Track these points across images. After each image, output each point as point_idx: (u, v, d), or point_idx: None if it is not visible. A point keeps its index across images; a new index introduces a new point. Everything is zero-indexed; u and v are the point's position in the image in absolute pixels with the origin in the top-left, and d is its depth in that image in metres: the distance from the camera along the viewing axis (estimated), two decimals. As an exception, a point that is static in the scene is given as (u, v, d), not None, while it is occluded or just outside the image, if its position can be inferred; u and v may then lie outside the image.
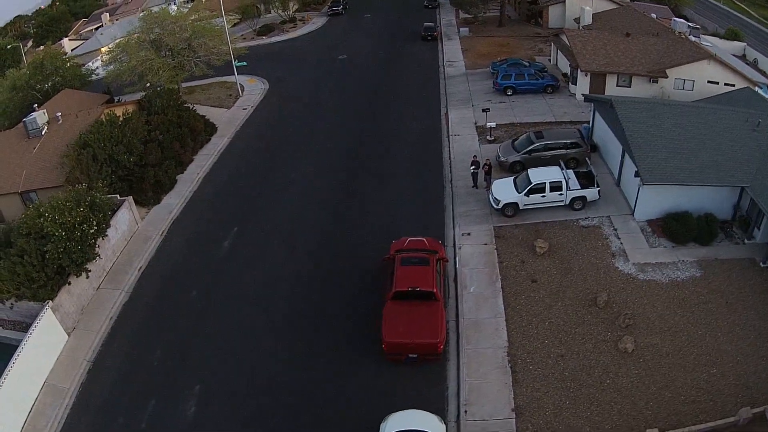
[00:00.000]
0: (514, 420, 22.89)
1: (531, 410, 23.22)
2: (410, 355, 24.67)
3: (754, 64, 61.01)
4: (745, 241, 31.19)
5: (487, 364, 25.07)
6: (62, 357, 28.07)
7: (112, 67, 52.87)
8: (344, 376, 25.41)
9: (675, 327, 26.44)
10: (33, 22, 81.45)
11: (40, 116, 43.17)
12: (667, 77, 46.01)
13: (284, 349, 27.08)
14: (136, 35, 53.33)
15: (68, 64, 57.55)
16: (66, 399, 25.96)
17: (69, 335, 29.10)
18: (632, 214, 33.38)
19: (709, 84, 45.49)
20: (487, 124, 42.03)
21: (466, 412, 23.34)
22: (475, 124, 44.25)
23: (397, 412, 22.01)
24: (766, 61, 61.45)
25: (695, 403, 23.37)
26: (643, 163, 31.99)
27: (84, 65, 61.77)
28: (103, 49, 62.39)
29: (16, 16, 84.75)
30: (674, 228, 31.23)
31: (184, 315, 29.44)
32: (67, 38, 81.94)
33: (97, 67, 63.29)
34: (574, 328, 26.43)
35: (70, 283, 29.64)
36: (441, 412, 23.12)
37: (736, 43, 65.83)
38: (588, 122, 41.78)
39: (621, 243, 31.34)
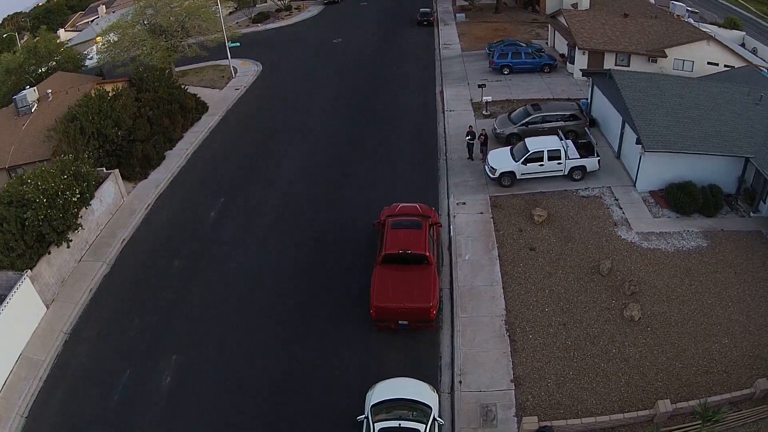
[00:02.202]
0: (513, 391, 20.33)
1: (531, 381, 20.63)
2: (401, 322, 22.00)
3: (753, 53, 58.70)
4: (751, 214, 28.71)
5: (483, 332, 22.45)
6: (39, 329, 25.55)
7: (106, 54, 50.37)
8: (331, 347, 22.84)
9: (683, 296, 23.90)
10: (30, 16, 78.82)
11: (30, 93, 40.76)
12: (666, 57, 43.50)
13: (270, 318, 24.52)
14: (129, 17, 50.70)
15: (62, 48, 54.91)
16: (41, 371, 23.48)
17: (48, 307, 26.56)
18: (634, 185, 30.86)
19: (709, 65, 43.11)
20: (483, 98, 39.42)
21: (460, 382, 20.74)
22: (471, 100, 41.67)
23: (385, 381, 19.40)
24: (766, 50, 58.99)
25: (708, 374, 20.86)
26: (644, 130, 29.54)
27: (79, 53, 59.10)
28: (98, 39, 59.78)
29: (14, 13, 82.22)
30: (678, 197, 28.71)
31: (165, 285, 26.85)
32: (63, 29, 79.40)
33: (92, 57, 60.64)
34: (576, 296, 23.83)
35: (50, 253, 27.12)
36: (434, 383, 20.54)
37: (735, 31, 63.43)
38: (586, 99, 39.12)
39: (623, 212, 28.78)
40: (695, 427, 18.43)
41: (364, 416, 18.22)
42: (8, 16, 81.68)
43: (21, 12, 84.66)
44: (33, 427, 21.07)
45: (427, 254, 23.34)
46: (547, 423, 18.18)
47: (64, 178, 28.27)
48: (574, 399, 19.92)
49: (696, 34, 44.55)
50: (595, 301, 23.52)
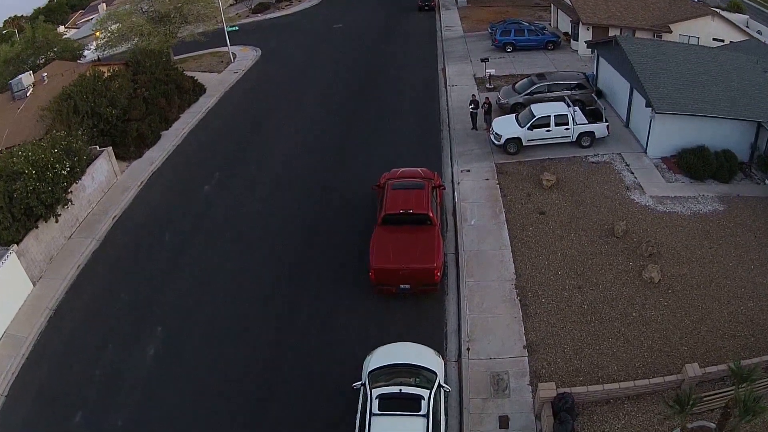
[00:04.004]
0: (526, 358, 17.92)
1: (546, 347, 18.22)
2: (402, 286, 19.61)
3: (758, 35, 56.29)
4: (766, 181, 26.24)
5: (492, 297, 20.03)
6: (25, 306, 23.31)
7: (104, 43, 48.29)
8: (327, 315, 20.52)
9: (703, 258, 21.48)
10: (31, 18, 76.56)
11: (25, 77, 38.72)
12: (671, 32, 41.12)
13: (263, 288, 22.20)
14: (127, 6, 48.50)
15: (61, 39, 52.72)
16: (23, 348, 21.22)
17: (35, 284, 24.29)
18: (644, 151, 28.48)
19: (715, 42, 40.77)
20: (486, 71, 36.94)
21: (468, 350, 18.33)
22: (474, 75, 39.25)
23: (385, 345, 16.99)
24: (770, 33, 56.56)
25: (735, 338, 18.45)
26: (653, 92, 27.22)
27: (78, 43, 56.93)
28: (98, 33, 57.70)
29: (14, 15, 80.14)
30: (692, 162, 26.30)
31: (155, 259, 24.54)
32: (63, 26, 77.25)
33: (91, 49, 58.45)
34: (590, 258, 21.39)
35: (37, 227, 24.91)
36: (440, 351, 18.08)
37: (738, 15, 61.02)
38: (592, 72, 36.63)
39: (635, 177, 26.38)
40: (728, 393, 15.96)
41: (360, 383, 15.81)
42: (9, 17, 79.47)
43: (22, 15, 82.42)
44: (13, 406, 18.78)
45: (430, 214, 20.94)
46: (566, 390, 15.73)
47: (55, 152, 26.20)
48: (594, 365, 17.51)
49: (700, 10, 42.58)
50: (611, 264, 21.09)
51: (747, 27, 58.62)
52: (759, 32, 57.34)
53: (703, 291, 20.05)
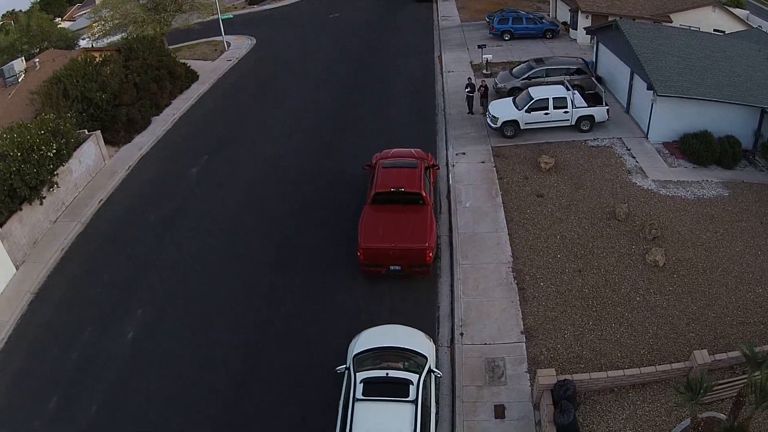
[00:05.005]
0: (524, 344, 16.48)
1: (545, 332, 16.79)
2: (392, 267, 18.14)
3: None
4: (770, 169, 24.84)
5: (487, 280, 18.60)
6: (7, 291, 21.86)
7: (99, 32, 46.85)
8: (313, 297, 19.08)
9: (709, 242, 20.08)
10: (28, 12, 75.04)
11: (17, 63, 37.59)
12: (671, 22, 39.77)
13: (247, 269, 20.76)
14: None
15: (56, 28, 51.25)
16: (2, 333, 19.79)
17: (17, 268, 22.84)
18: (646, 136, 27.04)
19: (716, 32, 39.47)
20: (483, 56, 35.47)
21: (462, 334, 16.88)
22: (471, 62, 37.77)
23: (372, 328, 15.54)
24: (771, 28, 55.34)
25: (745, 324, 17.09)
26: (655, 75, 25.82)
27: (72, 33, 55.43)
28: (93, 24, 56.23)
29: (12, 10, 78.42)
30: (695, 147, 24.92)
31: (139, 241, 23.11)
32: (60, 19, 75.76)
33: (86, 39, 56.91)
34: (591, 241, 19.96)
35: (21, 209, 23.48)
36: (431, 336, 16.63)
37: (738, 10, 59.82)
38: (591, 60, 35.20)
39: (636, 161, 24.97)
40: (739, 382, 14.53)
41: (344, 367, 14.35)
42: (7, 12, 77.70)
43: (20, 10, 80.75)
44: (-12, 392, 17.37)
45: (423, 193, 19.47)
46: (567, 376, 14.28)
47: (42, 134, 24.90)
48: (596, 352, 16.08)
49: (702, 0, 40.86)
50: (613, 247, 19.66)
51: (748, 20, 57.56)
52: (759, 27, 56.21)
53: (709, 276, 18.65)
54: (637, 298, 17.66)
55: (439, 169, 23.79)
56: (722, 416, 14.20)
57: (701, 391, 12.36)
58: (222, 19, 46.88)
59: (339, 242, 21.08)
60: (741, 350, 13.70)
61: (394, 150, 22.89)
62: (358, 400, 13.06)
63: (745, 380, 13.38)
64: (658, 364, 15.14)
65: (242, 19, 55.02)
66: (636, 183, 23.22)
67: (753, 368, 12.88)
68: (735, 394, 13.69)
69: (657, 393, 14.73)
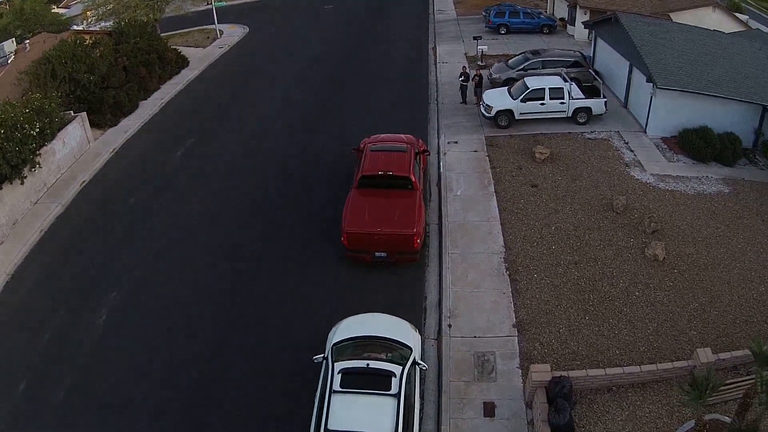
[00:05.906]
0: (516, 338, 15.28)
1: (539, 326, 15.60)
2: (378, 254, 16.90)
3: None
4: (772, 167, 23.88)
5: (478, 270, 17.39)
6: (-16, 273, 20.55)
7: (94, 17, 45.55)
8: (293, 284, 17.84)
9: (710, 238, 19.01)
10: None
11: (7, 44, 37.31)
12: (671, 21, 38.79)
13: (226, 253, 19.53)
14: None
15: (49, 12, 49.70)
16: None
17: (-5, 250, 21.52)
18: (644, 130, 26.01)
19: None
20: (478, 47, 34.32)
21: (450, 326, 15.65)
22: (466, 54, 36.64)
23: (353, 316, 14.26)
24: (771, 33, 54.84)
25: (748, 323, 16.00)
26: (655, 67, 24.81)
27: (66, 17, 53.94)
28: (87, 12, 54.84)
29: (6, -1, 76.74)
30: (694, 142, 23.91)
31: (118, 223, 21.88)
32: (55, 7, 74.13)
33: (80, 25, 55.38)
34: (588, 233, 18.83)
35: (2, 188, 22.29)
36: (418, 327, 15.37)
37: (738, 15, 59.30)
38: (589, 55, 34.15)
39: (634, 155, 23.93)
40: (746, 382, 13.41)
41: (322, 356, 13.07)
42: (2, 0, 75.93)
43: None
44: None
45: (412, 178, 18.24)
46: (563, 373, 13.09)
47: (26, 112, 23.82)
48: (593, 348, 14.91)
49: (702, 0, 39.92)
50: (610, 239, 18.53)
51: (747, 24, 57.14)
52: (758, 29, 55.70)
53: (711, 272, 17.57)
54: (637, 293, 16.53)
55: (429, 154, 22.58)
56: (726, 419, 13.09)
57: (708, 389, 11.23)
58: (215, 7, 45.63)
59: (326, 228, 19.80)
60: (749, 347, 12.59)
61: (383, 135, 21.65)
62: (336, 392, 11.79)
63: (752, 381, 12.27)
64: (659, 362, 13.98)
65: (236, 9, 54.01)
66: (634, 176, 22.15)
67: (761, 366, 11.75)
68: (741, 396, 12.61)
69: (658, 393, 13.59)
